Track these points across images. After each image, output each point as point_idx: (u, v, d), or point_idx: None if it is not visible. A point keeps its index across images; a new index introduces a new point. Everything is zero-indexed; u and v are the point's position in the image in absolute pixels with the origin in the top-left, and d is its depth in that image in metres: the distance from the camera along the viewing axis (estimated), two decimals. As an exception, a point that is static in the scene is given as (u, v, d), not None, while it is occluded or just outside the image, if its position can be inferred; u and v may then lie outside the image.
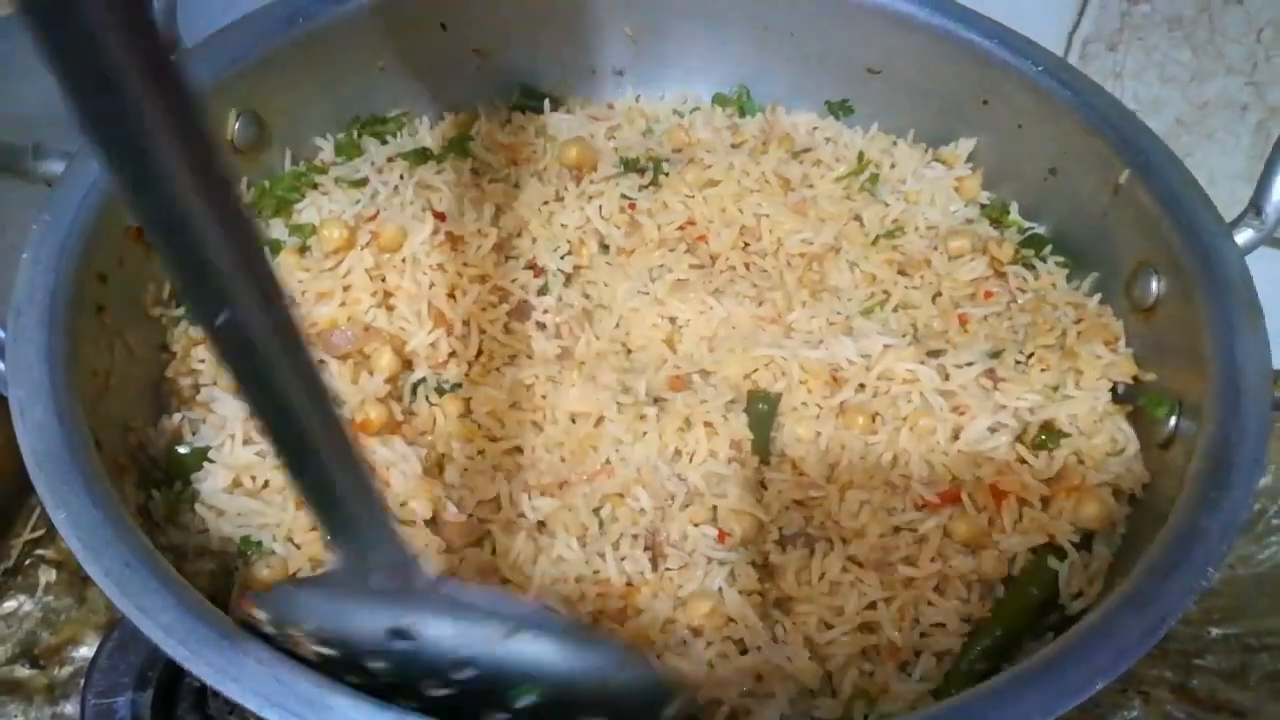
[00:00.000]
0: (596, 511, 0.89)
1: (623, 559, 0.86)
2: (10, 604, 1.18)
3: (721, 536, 0.87)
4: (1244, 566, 1.20)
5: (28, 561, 1.21)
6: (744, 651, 0.83)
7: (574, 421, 0.93)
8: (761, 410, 0.95)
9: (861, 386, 0.96)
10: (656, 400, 0.95)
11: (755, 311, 1.01)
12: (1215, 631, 1.15)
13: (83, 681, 1.01)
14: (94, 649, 1.05)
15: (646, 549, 0.87)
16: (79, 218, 0.85)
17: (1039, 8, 1.11)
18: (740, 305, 1.01)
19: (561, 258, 1.05)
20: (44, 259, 0.82)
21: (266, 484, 0.86)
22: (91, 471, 0.71)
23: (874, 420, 0.94)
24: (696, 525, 0.88)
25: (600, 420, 0.92)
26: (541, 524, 0.88)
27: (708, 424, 0.92)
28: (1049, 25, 1.06)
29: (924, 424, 0.93)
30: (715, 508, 0.89)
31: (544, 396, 0.94)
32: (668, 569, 0.86)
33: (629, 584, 0.85)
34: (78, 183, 0.87)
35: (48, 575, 1.20)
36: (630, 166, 1.13)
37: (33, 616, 1.17)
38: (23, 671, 1.13)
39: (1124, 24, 1.30)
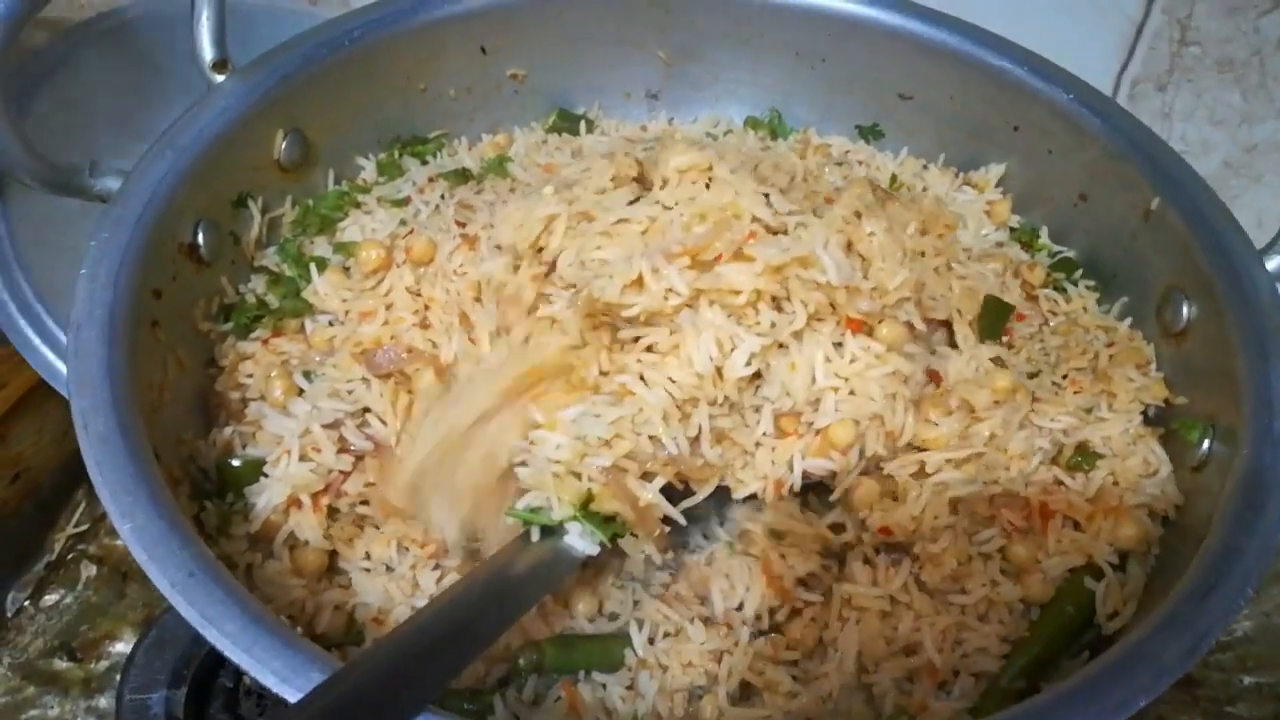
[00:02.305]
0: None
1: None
2: (51, 597, 1.21)
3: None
4: (1280, 615, 1.21)
5: (70, 556, 1.24)
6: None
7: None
8: None
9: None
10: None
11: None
12: (1248, 680, 1.15)
13: (119, 677, 1.03)
14: (131, 645, 1.07)
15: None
16: (135, 235, 0.87)
17: (1088, 47, 1.13)
18: None
19: None
20: (102, 275, 0.84)
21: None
22: (154, 482, 0.73)
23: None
24: None
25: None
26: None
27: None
28: (1098, 65, 1.08)
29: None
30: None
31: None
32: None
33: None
34: (133, 200, 0.89)
35: (89, 570, 1.23)
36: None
37: (72, 610, 1.20)
38: (60, 664, 1.16)
39: (1174, 65, 1.31)
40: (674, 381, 0.83)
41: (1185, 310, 0.98)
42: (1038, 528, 0.90)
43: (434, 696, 0.65)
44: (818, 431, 0.86)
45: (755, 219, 0.88)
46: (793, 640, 0.86)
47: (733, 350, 0.83)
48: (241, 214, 1.02)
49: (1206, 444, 0.90)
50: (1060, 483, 0.93)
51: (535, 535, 0.83)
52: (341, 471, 0.88)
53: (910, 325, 0.90)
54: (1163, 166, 1.02)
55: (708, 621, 0.88)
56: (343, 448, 0.88)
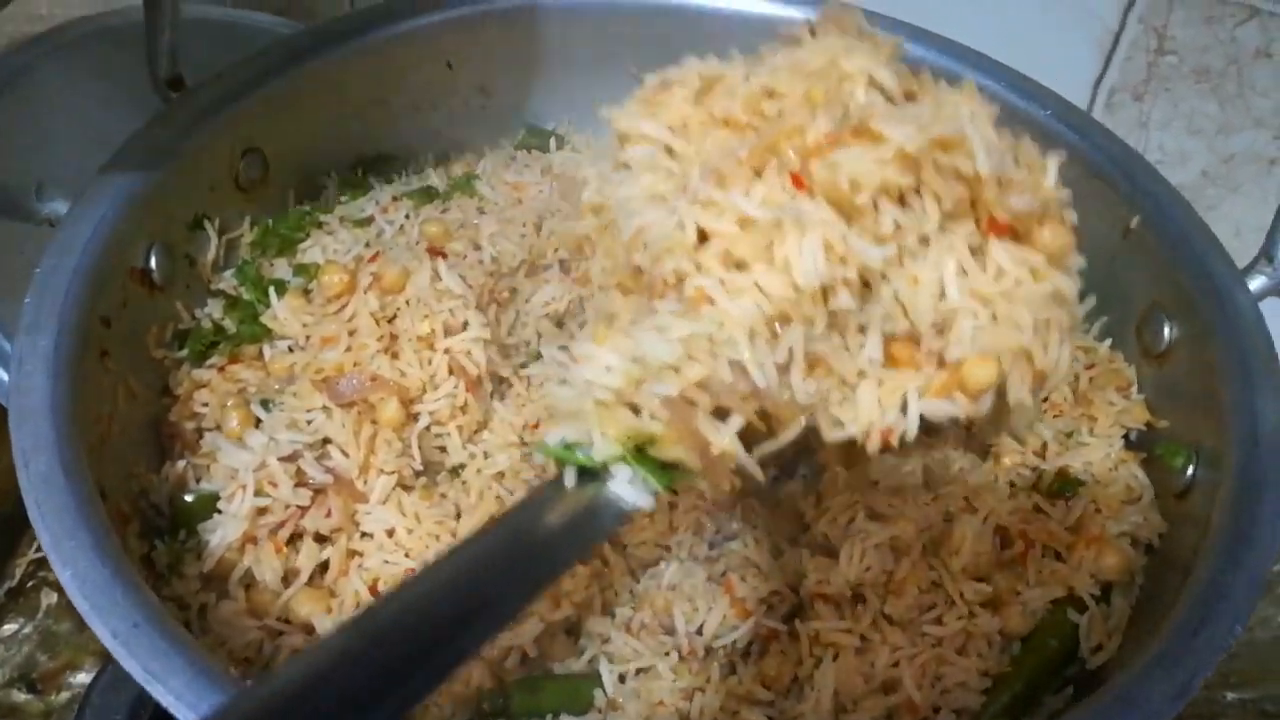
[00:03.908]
0: None
1: None
2: (10, 626, 1.17)
3: None
4: (1262, 629, 1.18)
5: (30, 583, 1.20)
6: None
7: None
8: None
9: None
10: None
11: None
12: (1232, 696, 1.13)
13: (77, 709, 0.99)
14: (92, 675, 1.03)
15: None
16: (82, 261, 0.83)
17: (1065, 55, 1.11)
18: None
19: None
20: (46, 304, 0.80)
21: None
22: (98, 526, 0.69)
23: None
24: None
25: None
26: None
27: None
28: (1075, 73, 1.06)
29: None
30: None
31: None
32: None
33: None
34: (81, 224, 0.85)
35: (49, 598, 1.19)
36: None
37: (32, 640, 1.16)
38: (19, 696, 1.12)
39: (1151, 74, 1.30)
40: (765, 291, 0.61)
41: (1167, 331, 0.96)
42: (1016, 557, 0.88)
43: (419, 700, 0.52)
44: (941, 363, 0.65)
45: (873, 83, 0.66)
46: (767, 677, 0.83)
47: (842, 260, 0.62)
48: (197, 236, 0.99)
49: (1190, 470, 0.88)
50: (1040, 510, 0.90)
51: (571, 480, 0.63)
52: (300, 506, 0.84)
53: (1077, 229, 0.68)
54: (1142, 185, 1.00)
55: (679, 656, 0.85)
56: (300, 481, 0.85)
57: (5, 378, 0.82)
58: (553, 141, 1.19)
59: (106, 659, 1.03)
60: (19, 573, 1.21)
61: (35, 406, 0.74)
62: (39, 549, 1.22)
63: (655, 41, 1.18)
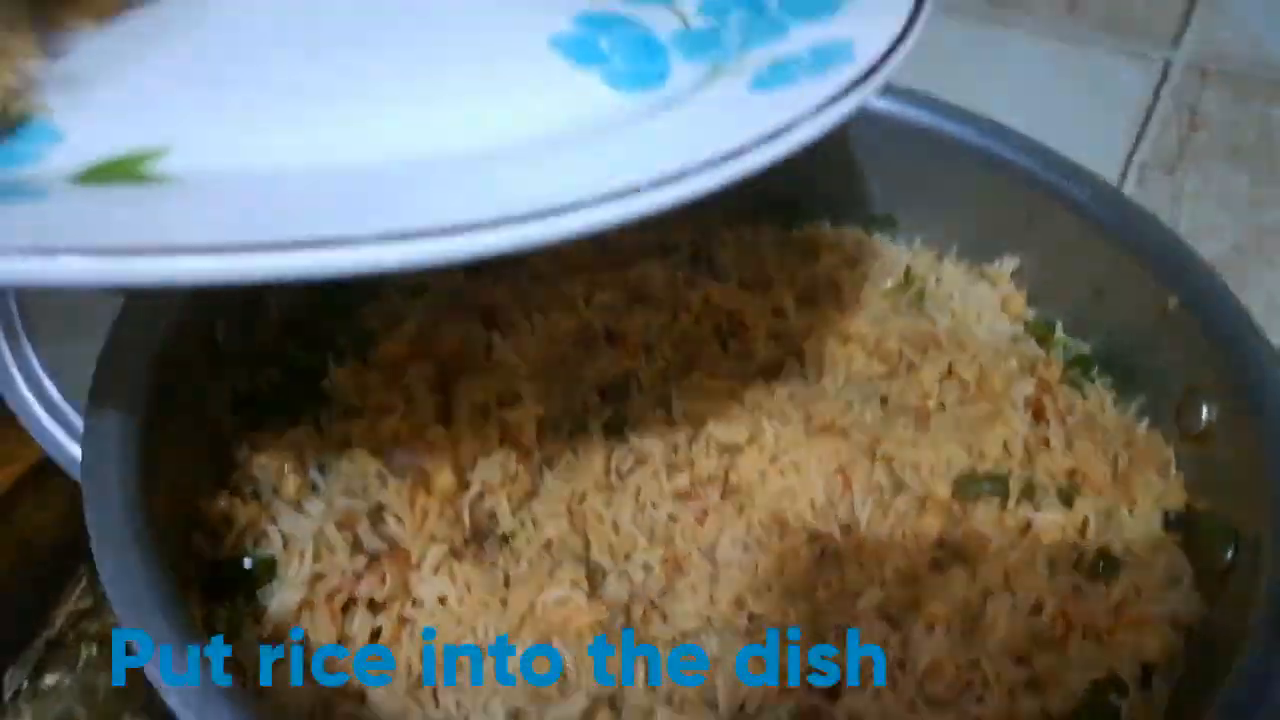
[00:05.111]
0: None
1: None
2: (50, 679, 1.17)
3: None
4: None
5: (71, 635, 1.20)
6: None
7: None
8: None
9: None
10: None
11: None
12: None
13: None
14: (131, 729, 1.04)
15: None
16: (152, 332, 0.86)
17: (1098, 131, 1.14)
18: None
19: None
20: (117, 377, 0.83)
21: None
22: (171, 597, 0.71)
23: None
24: None
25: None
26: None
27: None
28: (1107, 148, 1.10)
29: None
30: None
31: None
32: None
33: None
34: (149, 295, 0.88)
35: (89, 650, 1.19)
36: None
37: (72, 692, 1.16)
38: (58, 749, 1.12)
39: (1183, 150, 1.33)
40: None
41: (1205, 412, 0.97)
42: (1057, 639, 0.89)
43: None
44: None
45: None
46: (810, 759, 0.84)
47: None
48: (258, 303, 1.02)
49: (1231, 552, 0.89)
50: (1079, 589, 0.91)
51: None
52: (355, 574, 0.86)
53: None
54: (1180, 266, 1.02)
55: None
56: (357, 548, 0.87)
57: (77, 455, 0.83)
58: (599, 212, 1.22)
59: (147, 714, 1.04)
60: (59, 623, 1.22)
61: (109, 483, 0.76)
62: (79, 599, 1.24)
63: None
